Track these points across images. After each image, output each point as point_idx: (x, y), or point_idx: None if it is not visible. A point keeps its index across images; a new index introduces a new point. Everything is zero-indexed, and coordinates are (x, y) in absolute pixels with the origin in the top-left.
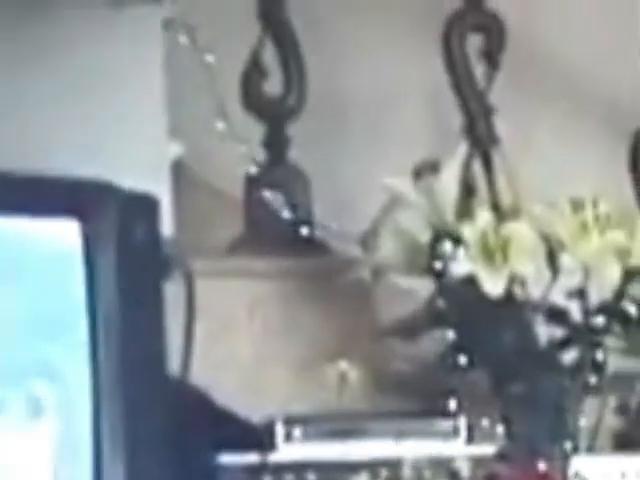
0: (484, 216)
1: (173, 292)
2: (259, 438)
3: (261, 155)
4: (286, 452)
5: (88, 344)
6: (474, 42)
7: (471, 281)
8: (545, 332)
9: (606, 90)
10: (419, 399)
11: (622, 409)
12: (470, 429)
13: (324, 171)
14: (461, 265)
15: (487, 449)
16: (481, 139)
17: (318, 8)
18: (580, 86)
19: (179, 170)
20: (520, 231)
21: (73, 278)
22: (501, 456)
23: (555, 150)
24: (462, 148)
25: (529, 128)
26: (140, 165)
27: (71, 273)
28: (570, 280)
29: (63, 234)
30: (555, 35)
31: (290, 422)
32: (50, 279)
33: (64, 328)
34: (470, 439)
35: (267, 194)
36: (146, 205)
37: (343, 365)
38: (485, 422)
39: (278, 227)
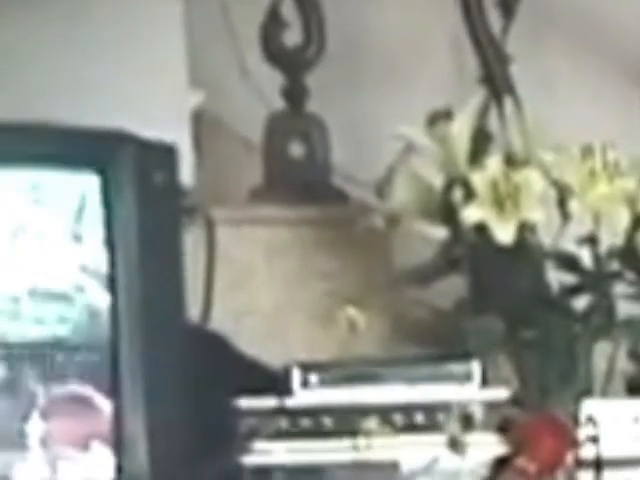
0: (494, 163)
1: (194, 239)
2: (277, 383)
3: (281, 104)
4: (302, 397)
5: (108, 290)
6: None
7: (483, 228)
8: (556, 278)
9: (625, 39)
10: (434, 345)
11: (634, 354)
12: (484, 374)
13: (343, 119)
14: (472, 212)
15: (500, 393)
16: (497, 87)
17: None
18: (598, 36)
19: (200, 118)
20: (530, 178)
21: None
22: (514, 400)
23: (574, 99)
24: (476, 97)
25: (549, 77)
26: (161, 114)
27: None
28: (581, 227)
29: (82, 183)
30: None
31: (306, 368)
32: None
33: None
34: (484, 384)
35: (286, 143)
36: (165, 153)
37: (351, 311)
38: (498, 367)
39: (297, 175)
